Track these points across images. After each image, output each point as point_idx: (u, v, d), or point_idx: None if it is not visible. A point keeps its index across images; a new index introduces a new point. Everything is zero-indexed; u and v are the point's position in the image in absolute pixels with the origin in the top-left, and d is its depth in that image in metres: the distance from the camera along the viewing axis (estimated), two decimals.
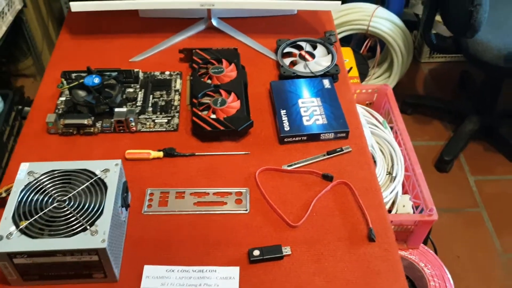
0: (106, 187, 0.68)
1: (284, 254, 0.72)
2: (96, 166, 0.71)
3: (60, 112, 0.90)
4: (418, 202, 1.17)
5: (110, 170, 0.70)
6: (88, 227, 0.64)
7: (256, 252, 0.71)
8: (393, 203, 1.20)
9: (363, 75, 1.78)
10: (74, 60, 1.02)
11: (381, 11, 1.87)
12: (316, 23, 1.14)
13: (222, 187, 0.81)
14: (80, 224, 0.64)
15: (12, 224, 0.64)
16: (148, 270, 0.69)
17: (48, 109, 0.91)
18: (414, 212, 1.18)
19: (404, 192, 1.24)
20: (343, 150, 0.87)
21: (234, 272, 0.69)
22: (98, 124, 0.88)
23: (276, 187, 0.81)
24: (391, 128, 1.35)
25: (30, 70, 1.85)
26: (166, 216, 0.77)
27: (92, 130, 0.87)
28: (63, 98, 0.93)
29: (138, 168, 0.83)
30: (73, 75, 0.95)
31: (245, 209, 0.78)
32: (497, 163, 1.86)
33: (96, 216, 0.65)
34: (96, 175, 0.70)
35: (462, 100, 2.09)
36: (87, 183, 0.69)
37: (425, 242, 1.26)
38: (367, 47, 1.98)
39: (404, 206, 1.17)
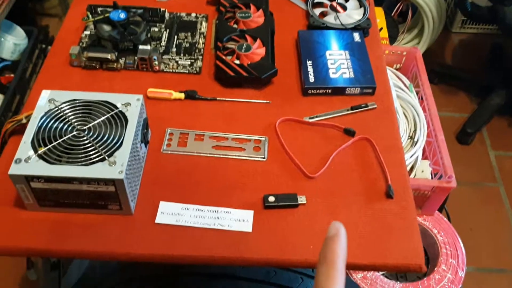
0: (126, 121, 0.68)
1: (299, 202, 0.71)
2: (117, 99, 0.70)
3: (84, 45, 0.89)
4: (438, 168, 1.16)
5: (132, 105, 0.70)
6: (106, 157, 0.63)
7: (271, 198, 0.71)
8: (412, 167, 1.18)
9: (392, 39, 1.73)
10: None
11: None
12: None
13: (241, 133, 0.80)
14: (98, 154, 0.64)
15: (31, 149, 0.64)
16: (164, 206, 0.69)
17: (72, 42, 0.90)
18: (432, 179, 1.16)
19: (424, 157, 1.22)
20: (368, 106, 0.85)
21: (248, 215, 0.69)
22: (122, 60, 0.87)
23: (295, 138, 0.80)
24: (417, 93, 1.32)
25: (56, 10, 1.84)
26: (185, 156, 0.76)
27: (115, 66, 0.86)
28: (87, 32, 0.92)
29: (159, 108, 0.82)
30: (99, 9, 0.93)
31: (263, 156, 0.77)
32: None
33: (115, 148, 0.64)
34: (117, 108, 0.69)
35: (491, 73, 2.03)
36: (108, 115, 0.68)
37: (440, 211, 1.24)
38: (398, 12, 1.92)
39: (423, 171, 1.15)
